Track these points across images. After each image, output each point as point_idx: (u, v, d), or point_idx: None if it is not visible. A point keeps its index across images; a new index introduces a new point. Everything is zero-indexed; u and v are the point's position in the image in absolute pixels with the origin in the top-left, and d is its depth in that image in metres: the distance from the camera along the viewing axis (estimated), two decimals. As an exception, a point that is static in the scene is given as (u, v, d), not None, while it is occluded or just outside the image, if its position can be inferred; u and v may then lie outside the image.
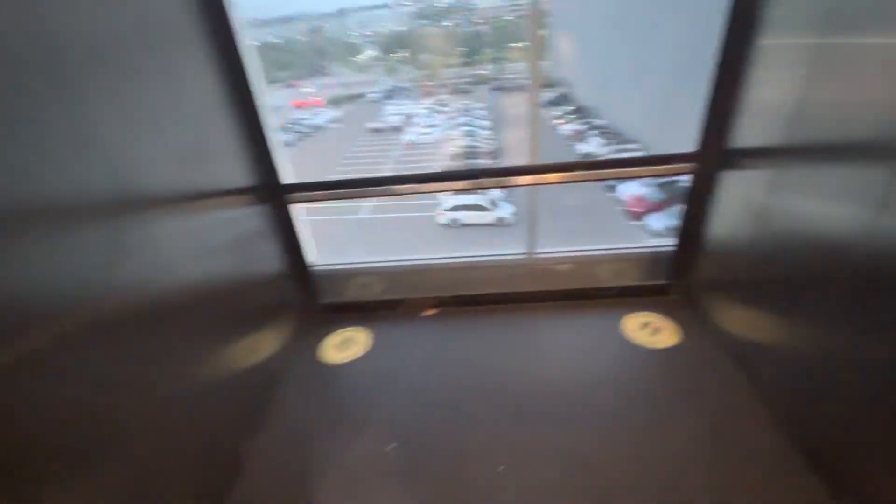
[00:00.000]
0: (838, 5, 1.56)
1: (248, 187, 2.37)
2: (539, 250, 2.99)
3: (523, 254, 3.01)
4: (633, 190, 15.97)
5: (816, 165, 1.68)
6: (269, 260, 2.61)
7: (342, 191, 2.71)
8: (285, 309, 2.79)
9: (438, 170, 2.68)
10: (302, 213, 2.89)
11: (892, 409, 1.44)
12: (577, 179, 2.60)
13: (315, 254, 3.05)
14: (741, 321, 2.31)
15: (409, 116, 31.38)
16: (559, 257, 2.99)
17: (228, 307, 2.11)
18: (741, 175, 2.22)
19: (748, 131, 2.14)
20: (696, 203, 2.59)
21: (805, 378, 1.86)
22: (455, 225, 16.80)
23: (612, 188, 16.53)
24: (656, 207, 15.45)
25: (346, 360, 2.63)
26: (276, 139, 2.58)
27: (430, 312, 2.97)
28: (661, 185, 15.77)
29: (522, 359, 2.55)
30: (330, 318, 2.99)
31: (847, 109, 1.52)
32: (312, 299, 3.01)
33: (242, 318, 2.26)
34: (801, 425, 1.92)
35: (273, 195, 2.61)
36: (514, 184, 2.66)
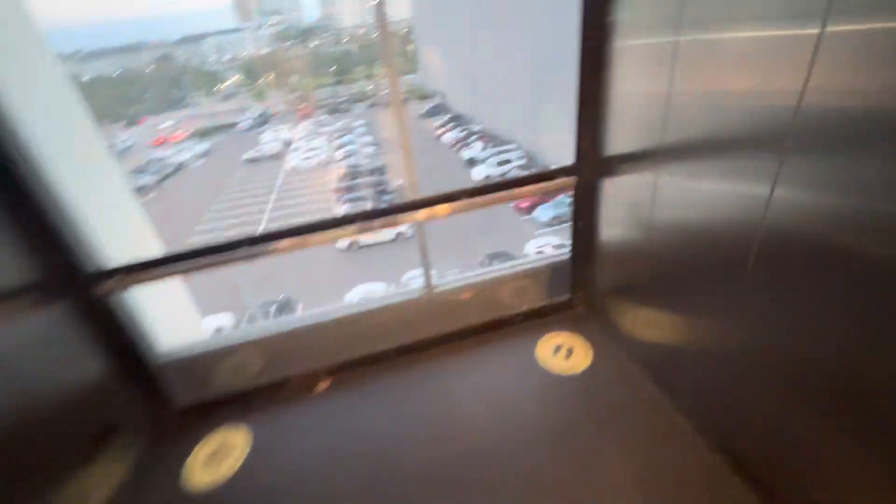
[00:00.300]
0: (680, 7, 1.53)
1: (29, 284, 1.70)
2: (438, 282, 2.70)
3: (422, 290, 2.70)
4: (518, 187, 16.82)
5: (695, 158, 1.64)
6: (83, 370, 1.93)
7: (196, 261, 2.11)
8: (124, 427, 2.11)
9: (320, 218, 2.21)
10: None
11: (808, 404, 1.41)
12: (467, 208, 2.37)
13: (182, 324, 2.40)
14: (647, 328, 2.25)
15: (287, 142, 29.72)
16: (460, 286, 2.73)
17: (20, 450, 1.46)
18: (624, 178, 2.16)
19: (622, 135, 2.09)
20: (584, 213, 2.51)
21: (717, 382, 1.82)
22: (354, 248, 16.16)
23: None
24: (541, 200, 16.49)
25: (220, 479, 2.04)
26: (100, 208, 1.97)
27: (324, 386, 2.50)
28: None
29: (438, 420, 2.21)
30: (194, 422, 2.34)
31: (711, 101, 1.49)
32: (165, 403, 2.34)
33: (51, 459, 1.59)
34: (723, 434, 1.87)
35: (81, 287, 1.94)
36: (404, 222, 2.35)
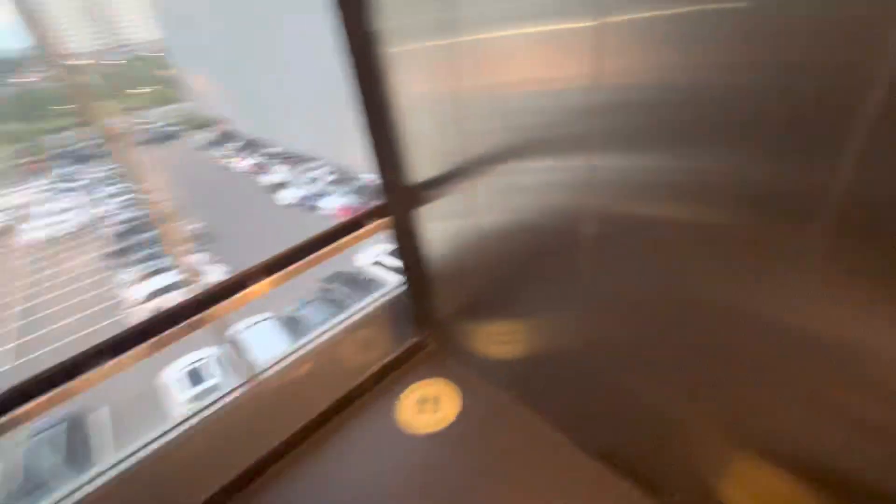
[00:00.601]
0: (449, 10, 1.43)
1: None
2: (266, 363, 2.17)
3: (248, 382, 2.11)
4: (335, 202, 16.30)
5: (504, 159, 1.56)
6: None
7: None
8: None
9: (91, 346, 1.43)
10: None
11: (658, 384, 1.46)
12: (289, 277, 2.00)
13: None
14: (501, 347, 2.19)
15: (18, 208, 22.58)
16: (293, 361, 2.22)
17: None
18: (441, 199, 2.01)
19: (425, 155, 1.92)
20: (409, 247, 2.30)
21: (576, 385, 1.82)
22: (160, 296, 13.17)
23: (314, 207, 16.43)
24: (357, 209, 16.28)
25: None
26: None
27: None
28: (359, 190, 16.73)
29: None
30: None
31: (505, 98, 1.44)
32: None
33: None
34: (599, 439, 1.89)
35: None
36: (217, 316, 1.83)
